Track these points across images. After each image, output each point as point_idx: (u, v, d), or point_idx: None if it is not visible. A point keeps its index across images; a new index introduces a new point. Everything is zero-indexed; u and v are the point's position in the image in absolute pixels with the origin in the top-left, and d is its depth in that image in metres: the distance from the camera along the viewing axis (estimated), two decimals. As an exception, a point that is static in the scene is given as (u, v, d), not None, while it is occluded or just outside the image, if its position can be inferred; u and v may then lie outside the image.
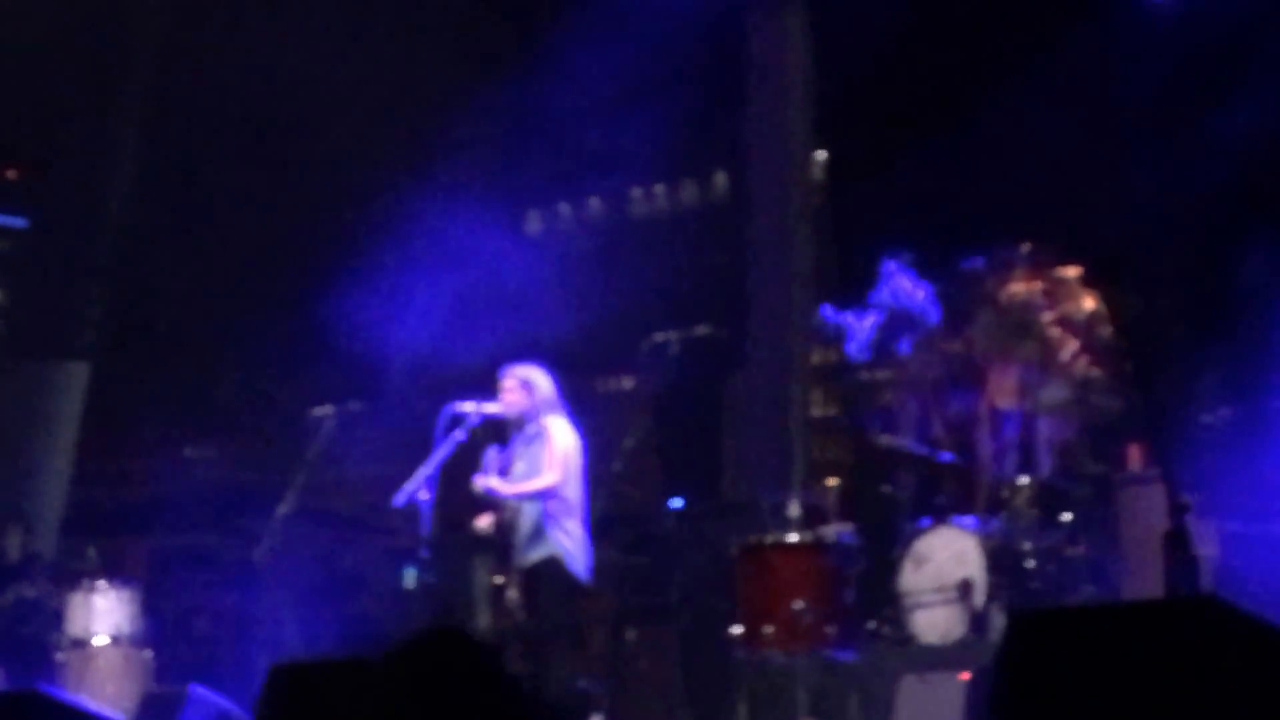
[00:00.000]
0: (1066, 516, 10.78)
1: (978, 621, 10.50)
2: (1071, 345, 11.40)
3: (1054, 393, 11.37)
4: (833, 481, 13.36)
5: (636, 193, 19.07)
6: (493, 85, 15.70)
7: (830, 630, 10.67)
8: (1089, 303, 11.49)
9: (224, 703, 11.80)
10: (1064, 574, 10.66)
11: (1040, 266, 11.61)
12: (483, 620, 14.01)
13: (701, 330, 11.37)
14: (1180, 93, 11.98)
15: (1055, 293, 11.55)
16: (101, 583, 14.02)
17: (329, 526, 15.17)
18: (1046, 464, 11.29)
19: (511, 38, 15.66)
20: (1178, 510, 6.75)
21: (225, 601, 15.08)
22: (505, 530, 11.03)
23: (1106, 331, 11.36)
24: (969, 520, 10.95)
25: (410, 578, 13.64)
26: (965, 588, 10.56)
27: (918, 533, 10.99)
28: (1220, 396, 11.07)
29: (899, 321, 11.96)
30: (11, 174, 17.44)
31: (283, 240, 16.08)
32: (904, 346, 11.98)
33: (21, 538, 15.05)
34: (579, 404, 11.28)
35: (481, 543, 12.21)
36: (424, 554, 11.07)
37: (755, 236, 15.59)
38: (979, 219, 12.86)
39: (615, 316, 16.54)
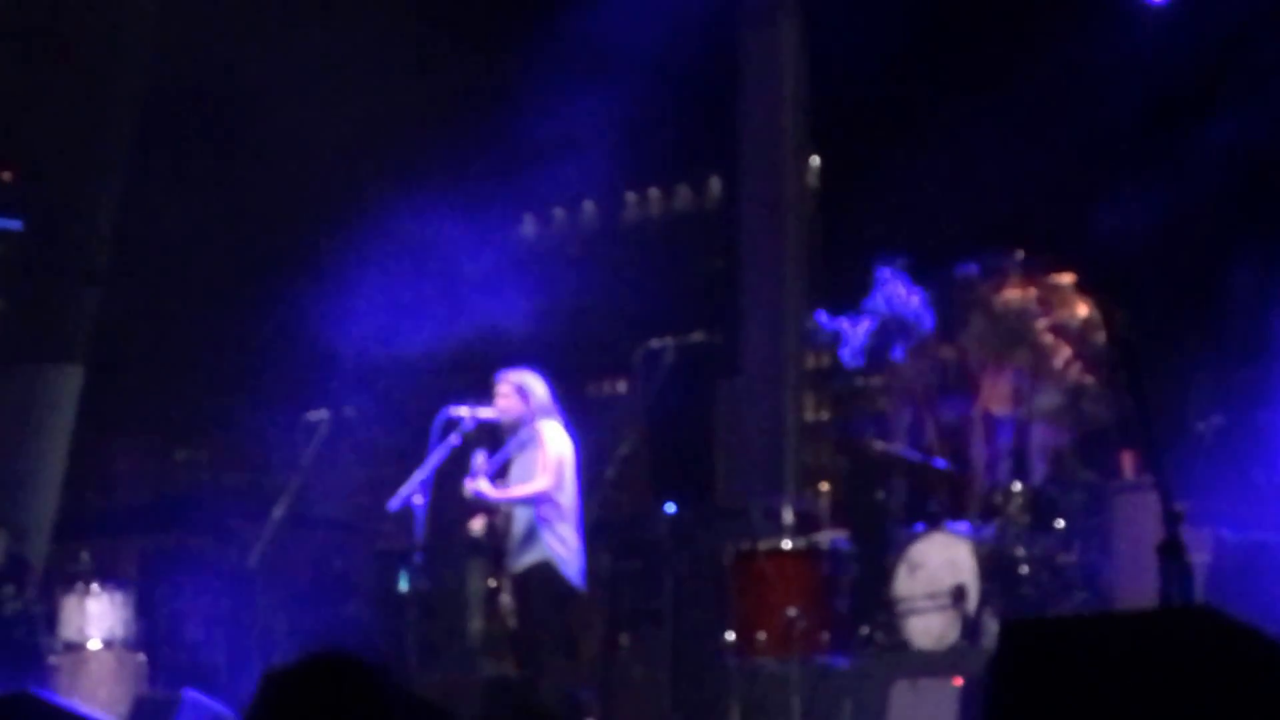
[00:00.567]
0: (1060, 523, 10.80)
1: (971, 627, 10.51)
2: (1065, 352, 11.41)
3: (1047, 399, 11.39)
4: (825, 487, 13.37)
5: (630, 197, 19.07)
6: (487, 90, 15.72)
7: (823, 636, 10.68)
8: (1082, 310, 11.50)
9: (217, 707, 11.80)
10: (1057, 580, 10.67)
11: (1034, 273, 11.63)
12: (475, 625, 14.03)
13: (696, 336, 11.35)
14: (1173, 101, 12.00)
15: (1049, 300, 11.56)
16: (94, 586, 14.01)
17: (322, 530, 15.16)
18: (1040, 470, 11.31)
19: (507, 42, 15.67)
20: (1172, 519, 6.75)
21: (218, 606, 15.06)
22: (498, 535, 11.03)
23: (1100, 339, 11.36)
24: (962, 526, 10.97)
25: (404, 582, 13.65)
26: (958, 594, 10.57)
27: (911, 539, 11.00)
28: (1212, 404, 11.08)
29: (892, 328, 11.97)
30: (5, 176, 17.43)
31: (277, 245, 16.08)
32: (897, 353, 11.99)
33: (7, 542, 15.03)
34: (573, 409, 11.29)
35: (475, 547, 12.22)
36: (418, 558, 11.09)
37: (748, 242, 15.61)
38: (973, 226, 12.87)
39: (609, 321, 16.56)
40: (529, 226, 19.40)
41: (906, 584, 10.87)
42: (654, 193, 18.97)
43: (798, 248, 15.22)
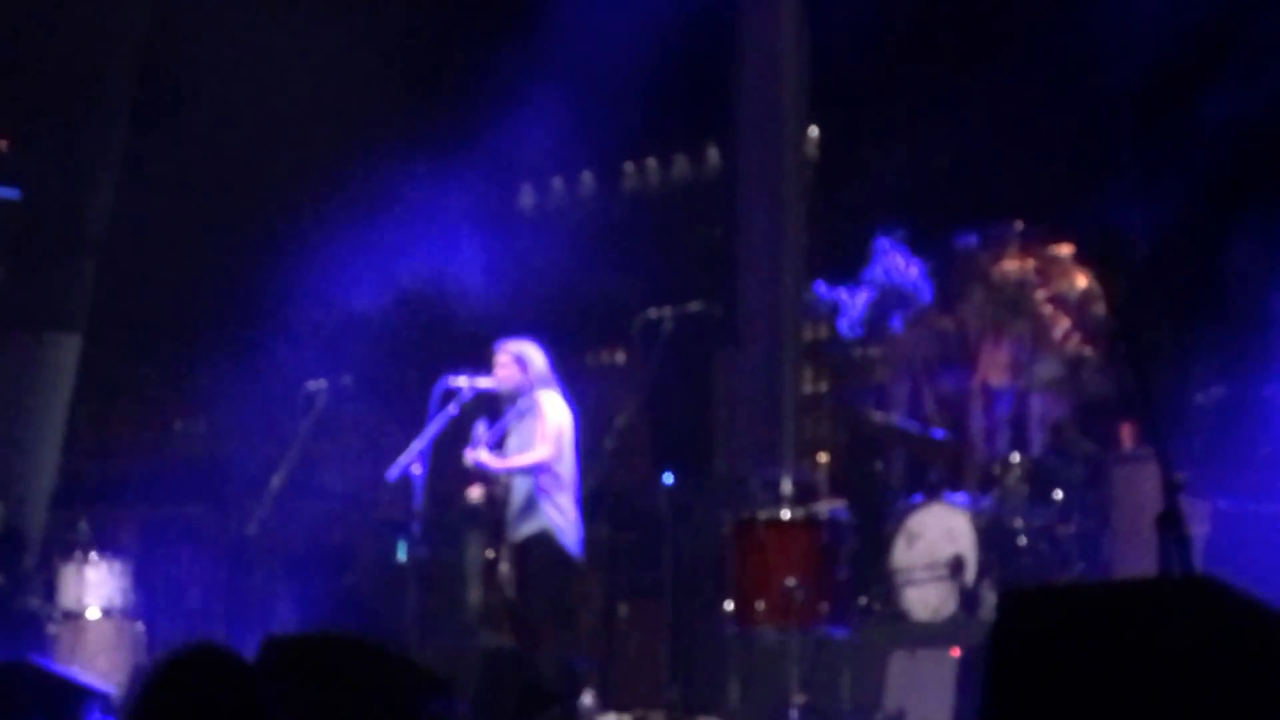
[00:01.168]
0: (1058, 494, 10.80)
1: (969, 598, 10.53)
2: (1064, 323, 11.42)
3: (1046, 370, 11.39)
4: (823, 458, 13.37)
5: (628, 167, 19.04)
6: (485, 60, 15.69)
7: (822, 606, 10.67)
8: (1081, 281, 11.50)
9: (216, 676, 11.81)
10: (1055, 552, 10.68)
11: (1033, 245, 11.63)
12: (473, 595, 14.04)
13: (694, 306, 11.34)
14: (1174, 72, 11.98)
15: (1048, 271, 11.56)
16: (93, 555, 14.02)
17: (321, 500, 15.16)
18: (1038, 442, 11.32)
19: (504, 11, 15.64)
20: (1171, 489, 6.75)
21: (217, 575, 15.07)
22: (496, 504, 11.04)
23: (1099, 310, 11.37)
24: (960, 497, 10.97)
25: (402, 552, 13.65)
26: (956, 565, 10.58)
27: (909, 510, 11.01)
28: (1212, 376, 11.08)
29: (891, 298, 11.97)
30: (1, 145, 17.39)
31: (275, 213, 16.05)
32: (896, 324, 12.00)
33: (5, 512, 15.04)
34: (571, 379, 11.29)
35: (473, 517, 12.23)
36: (416, 528, 11.08)
37: (747, 212, 15.58)
38: (972, 196, 12.86)
39: (607, 291, 16.54)
40: (527, 197, 19.38)
41: (905, 555, 10.88)
42: (652, 163, 18.94)
43: (796, 218, 15.19)
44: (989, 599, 10.40)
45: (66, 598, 13.91)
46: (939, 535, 10.74)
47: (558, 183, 19.31)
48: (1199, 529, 9.22)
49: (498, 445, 10.92)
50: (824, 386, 15.32)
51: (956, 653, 9.60)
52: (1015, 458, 10.97)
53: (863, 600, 11.05)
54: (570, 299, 16.40)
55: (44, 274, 16.61)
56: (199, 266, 16.28)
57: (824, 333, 14.71)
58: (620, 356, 17.57)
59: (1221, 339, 11.43)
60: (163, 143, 16.17)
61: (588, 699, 11.07)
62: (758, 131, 15.48)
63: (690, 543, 12.47)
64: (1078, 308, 11.43)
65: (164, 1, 15.92)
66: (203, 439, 17.12)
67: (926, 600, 10.70)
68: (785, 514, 11.04)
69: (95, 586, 13.93)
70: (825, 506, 11.40)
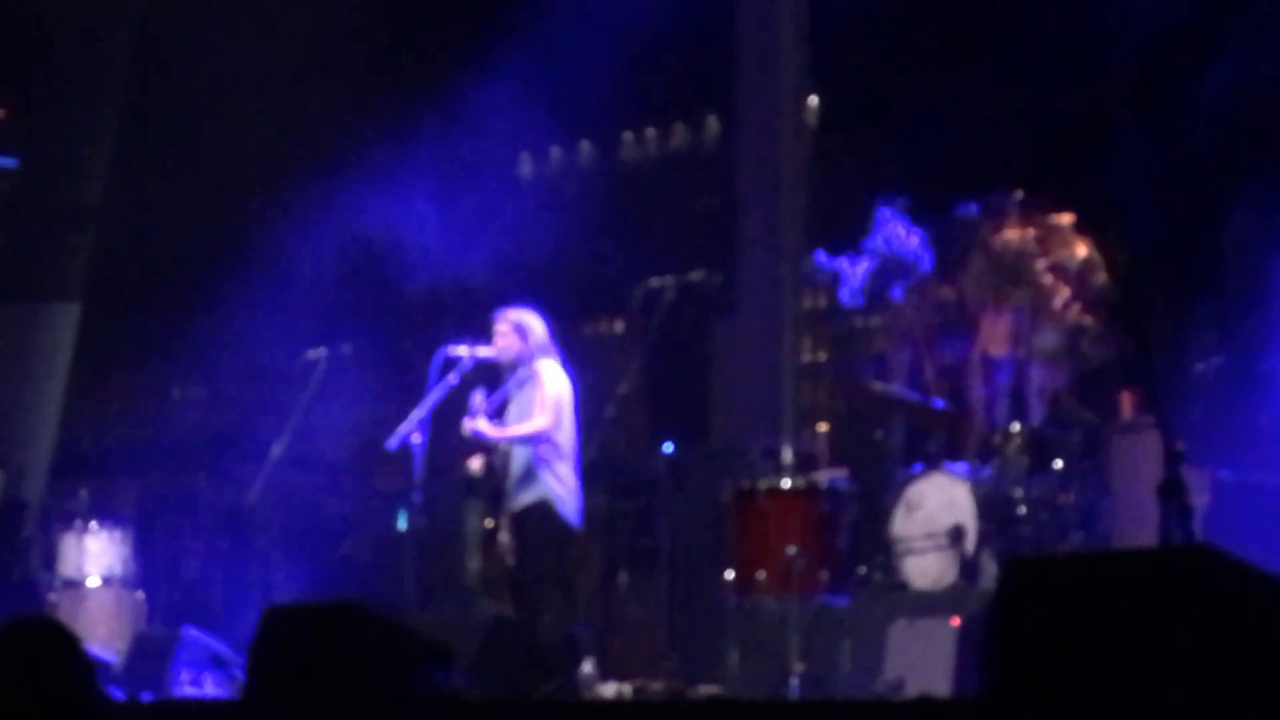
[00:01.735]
0: (1058, 464, 10.79)
1: (968, 568, 10.53)
2: (1064, 293, 11.40)
3: (1046, 340, 11.38)
4: (823, 428, 13.37)
5: (627, 137, 19.00)
6: (484, 28, 15.64)
7: (822, 575, 10.70)
8: (1082, 250, 11.49)
9: (216, 644, 11.85)
10: (1055, 521, 10.69)
11: (1033, 213, 11.61)
12: (473, 564, 14.05)
13: (694, 275, 11.34)
14: (1176, 41, 11.95)
15: (1048, 240, 11.54)
16: (93, 524, 14.03)
17: (320, 470, 15.16)
18: (1038, 411, 11.31)
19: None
20: (1173, 458, 6.76)
21: (217, 544, 15.08)
22: (496, 474, 11.03)
23: (1099, 279, 11.36)
24: (960, 467, 10.97)
25: (402, 521, 13.67)
26: (956, 534, 10.58)
27: (909, 479, 11.01)
28: (1212, 345, 11.07)
29: (891, 268, 11.95)
30: (0, 113, 17.35)
31: (274, 180, 16.02)
32: (896, 293, 11.98)
33: (4, 481, 15.04)
34: (570, 348, 11.28)
35: (473, 486, 12.23)
36: (416, 497, 11.08)
37: (746, 181, 15.56)
38: (972, 166, 12.83)
39: (606, 261, 16.52)
40: (525, 166, 19.34)
41: (904, 524, 10.88)
42: (651, 132, 18.89)
43: (796, 187, 15.17)
44: (989, 568, 10.40)
45: (66, 567, 13.93)
46: (939, 505, 10.74)
47: (556, 152, 19.26)
48: (1199, 499, 9.22)
49: (497, 414, 10.91)
50: (824, 356, 15.31)
51: (956, 622, 9.60)
52: (1015, 427, 10.96)
53: (862, 569, 11.06)
54: (569, 268, 16.37)
55: (41, 243, 16.59)
56: (197, 235, 16.25)
57: (824, 302, 14.70)
58: (619, 326, 17.55)
59: (1221, 309, 11.43)
60: (159, 111, 16.14)
61: (587, 668, 11.08)
62: (757, 101, 15.46)
63: (689, 512, 12.48)
64: (1078, 277, 11.42)
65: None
66: (202, 408, 17.12)
67: (926, 569, 10.70)
68: (785, 483, 11.05)
69: (95, 555, 13.94)
70: (825, 476, 11.41)
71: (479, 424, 10.72)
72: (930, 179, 12.61)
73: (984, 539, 10.55)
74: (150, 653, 12.01)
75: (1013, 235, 11.55)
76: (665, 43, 15.09)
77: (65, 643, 5.27)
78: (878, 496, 11.25)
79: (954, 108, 12.82)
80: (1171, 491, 6.84)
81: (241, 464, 14.02)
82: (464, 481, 11.95)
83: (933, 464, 11.01)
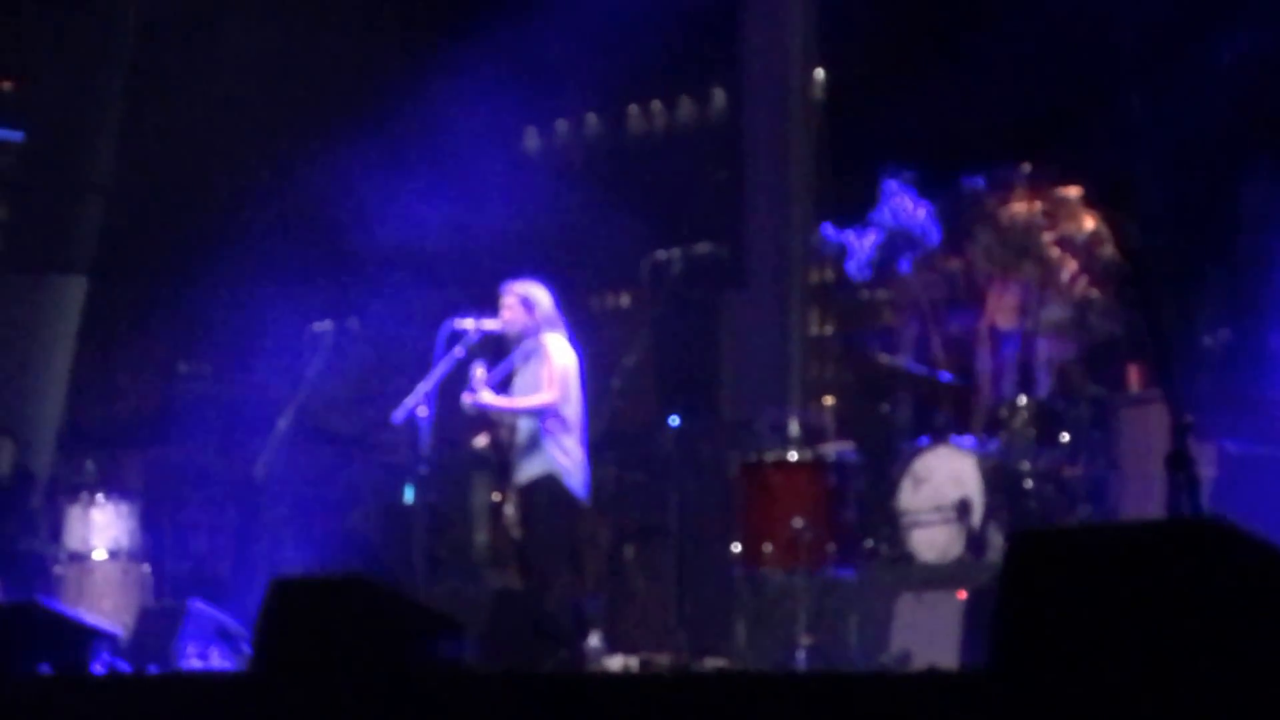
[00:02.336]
0: (1065, 437, 10.78)
1: (975, 541, 10.53)
2: (1071, 266, 11.39)
3: (1053, 313, 11.37)
4: (830, 400, 13.37)
5: (633, 110, 18.98)
6: (490, 1, 15.62)
7: (829, 548, 10.69)
8: (1089, 223, 11.47)
9: (222, 617, 11.86)
10: (1062, 494, 10.67)
11: (1041, 186, 11.59)
12: (480, 537, 14.06)
13: (702, 248, 11.32)
14: (1184, 13, 11.92)
15: (1055, 213, 11.53)
16: (100, 497, 14.05)
17: (327, 442, 15.17)
18: (1045, 384, 11.30)
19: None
20: (1181, 430, 6.75)
21: (223, 517, 15.10)
22: (503, 447, 11.03)
23: (1107, 252, 11.34)
24: (967, 440, 10.96)
25: (409, 494, 13.65)
26: (963, 507, 10.58)
27: (916, 452, 11.00)
28: (1220, 318, 11.06)
29: (899, 241, 11.94)
30: (6, 86, 17.34)
31: (281, 154, 16.01)
32: (904, 266, 11.97)
33: (14, 452, 15.06)
34: (577, 321, 11.27)
35: (480, 459, 12.24)
36: (423, 471, 11.07)
37: (753, 154, 15.56)
38: (980, 138, 12.80)
39: (612, 233, 16.51)
40: (532, 139, 19.32)
41: (911, 497, 10.88)
42: (657, 105, 18.87)
43: (803, 160, 15.16)
44: (995, 541, 10.40)
45: (73, 539, 13.95)
46: (946, 478, 10.74)
47: (562, 126, 19.24)
48: (1206, 472, 9.21)
49: (501, 387, 10.90)
50: (831, 329, 15.31)
51: (963, 595, 9.60)
52: (1022, 400, 10.95)
53: (869, 542, 11.05)
54: (576, 242, 16.36)
55: (48, 216, 16.61)
56: (204, 208, 16.25)
57: (831, 275, 14.69)
58: (626, 299, 17.55)
59: (1229, 282, 11.41)
60: (167, 83, 16.13)
61: (594, 641, 11.11)
62: (764, 74, 15.45)
63: (697, 484, 12.48)
64: (1085, 250, 11.40)
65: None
66: (209, 381, 17.11)
67: (933, 542, 10.70)
68: (792, 456, 11.04)
69: (101, 528, 13.96)
70: (832, 448, 11.41)
71: (483, 395, 10.70)
72: (937, 152, 12.58)
73: (991, 512, 10.55)
74: (156, 626, 12.02)
75: (1020, 208, 11.54)
76: (671, 15, 15.05)
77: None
78: (885, 469, 11.25)
79: (961, 80, 12.79)
80: (1178, 464, 6.82)
81: (248, 437, 14.00)
82: (471, 455, 11.94)
83: (940, 437, 11.00)
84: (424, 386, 10.70)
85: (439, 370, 10.72)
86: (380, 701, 5.92)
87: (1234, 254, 11.50)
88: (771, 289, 14.95)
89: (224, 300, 15.68)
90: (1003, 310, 11.58)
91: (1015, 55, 12.51)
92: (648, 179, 18.09)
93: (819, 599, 10.80)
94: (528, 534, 10.80)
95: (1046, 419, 10.85)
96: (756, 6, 15.37)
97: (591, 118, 19.06)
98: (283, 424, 11.76)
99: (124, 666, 10.44)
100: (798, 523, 10.57)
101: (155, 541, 14.51)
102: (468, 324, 10.80)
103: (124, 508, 14.12)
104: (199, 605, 11.97)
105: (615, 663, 11.22)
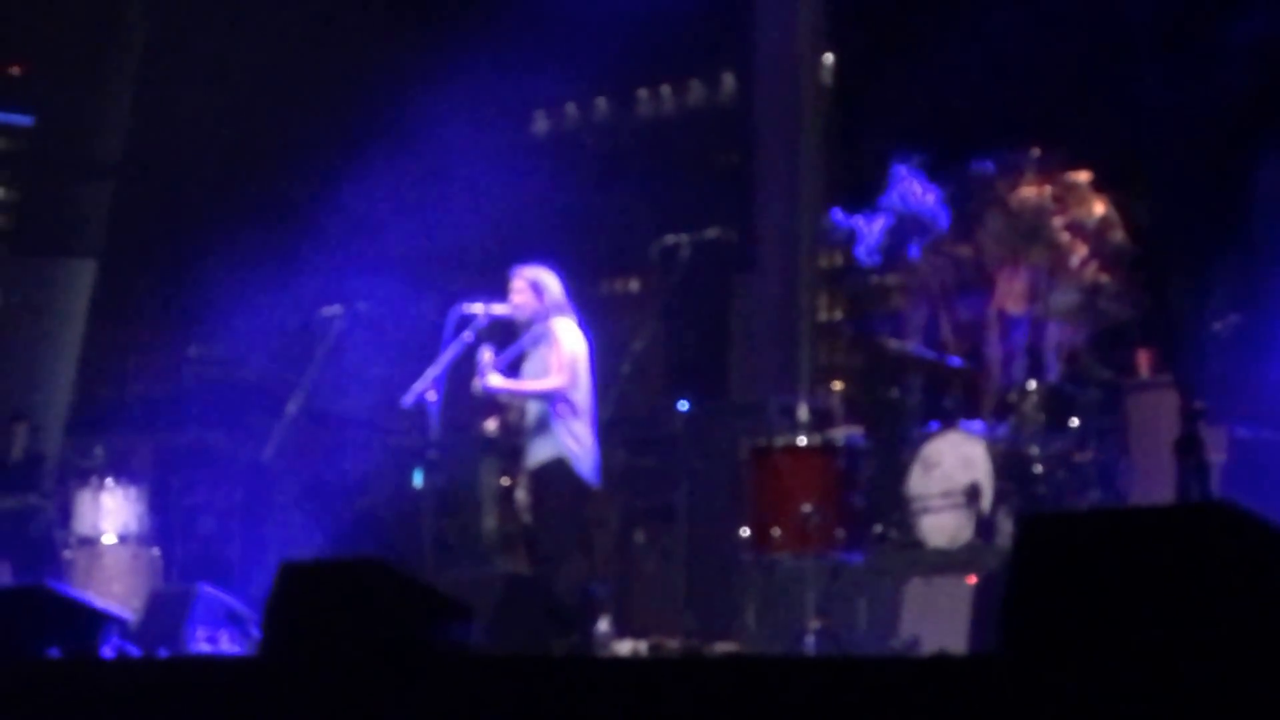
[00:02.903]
0: (1074, 422, 10.77)
1: (985, 526, 10.51)
2: (1081, 250, 11.37)
3: (1063, 298, 11.35)
4: (840, 385, 13.36)
5: (643, 93, 18.97)
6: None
7: (839, 533, 10.67)
8: (1099, 208, 11.45)
9: (231, 601, 11.86)
10: (1071, 479, 10.66)
11: (1050, 171, 11.58)
12: (489, 522, 14.06)
13: (711, 232, 11.30)
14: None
15: (1065, 198, 11.51)
16: (109, 481, 14.08)
17: (336, 426, 15.18)
18: (1055, 369, 11.29)
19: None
20: (1190, 416, 6.75)
21: (232, 501, 15.11)
22: (512, 432, 11.02)
23: (1117, 237, 11.33)
24: (977, 425, 10.95)
25: (418, 478, 13.66)
26: (973, 492, 10.56)
27: (925, 437, 10.99)
28: (1230, 303, 11.04)
29: (908, 225, 11.92)
30: (15, 70, 17.36)
31: (290, 138, 16.02)
32: (913, 251, 11.95)
33: (27, 436, 15.09)
34: (586, 306, 11.26)
35: (489, 444, 12.23)
36: (432, 455, 11.07)
37: (763, 138, 15.54)
38: (989, 122, 12.79)
39: (622, 218, 16.51)
40: (541, 123, 19.32)
41: (921, 482, 10.87)
42: (667, 89, 18.87)
43: (812, 145, 15.15)
44: (1005, 527, 10.39)
45: (82, 523, 13.97)
46: (955, 463, 10.72)
47: (572, 109, 19.24)
48: (1215, 457, 9.22)
49: (510, 371, 10.89)
50: (840, 314, 15.30)
51: (972, 580, 9.60)
52: (1032, 385, 10.93)
53: (879, 527, 11.04)
54: (585, 226, 16.36)
55: (59, 200, 16.63)
56: (214, 191, 16.26)
57: (841, 260, 14.68)
58: (635, 284, 17.55)
59: (1240, 267, 11.39)
60: (176, 67, 16.13)
61: (604, 625, 11.10)
62: (774, 58, 15.42)
63: (706, 469, 12.48)
64: (1095, 235, 11.39)
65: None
66: (218, 364, 17.13)
67: (942, 527, 10.68)
68: (802, 440, 11.02)
69: (111, 512, 13.99)
70: (841, 433, 11.38)
71: (491, 378, 10.69)
72: (947, 136, 12.57)
73: (1000, 497, 10.53)
74: (166, 610, 12.02)
75: (1030, 192, 11.52)
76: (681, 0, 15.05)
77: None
78: (894, 454, 11.23)
79: (970, 63, 12.77)
80: (1188, 449, 6.83)
81: (257, 421, 14.02)
82: (480, 439, 11.95)
83: (949, 422, 10.99)
84: (433, 371, 10.68)
85: (448, 355, 10.70)
86: (389, 685, 5.92)
87: (1244, 239, 11.47)
88: (781, 274, 14.94)
89: (233, 284, 15.68)
90: (1012, 295, 11.56)
91: (1025, 39, 12.49)
92: (657, 163, 18.10)
93: (828, 584, 10.80)
94: (538, 518, 10.80)
95: (1056, 404, 10.84)
96: (766, -10, 15.35)
97: (601, 101, 19.06)
98: (292, 408, 11.75)
99: (133, 650, 10.45)
100: (807, 507, 10.55)
101: (164, 525, 14.53)
102: (477, 308, 10.78)
103: (133, 492, 14.15)
104: (208, 589, 11.98)
105: (624, 647, 11.22)
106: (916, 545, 10.79)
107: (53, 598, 9.09)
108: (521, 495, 10.97)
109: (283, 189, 15.36)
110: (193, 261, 16.42)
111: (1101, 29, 12.44)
